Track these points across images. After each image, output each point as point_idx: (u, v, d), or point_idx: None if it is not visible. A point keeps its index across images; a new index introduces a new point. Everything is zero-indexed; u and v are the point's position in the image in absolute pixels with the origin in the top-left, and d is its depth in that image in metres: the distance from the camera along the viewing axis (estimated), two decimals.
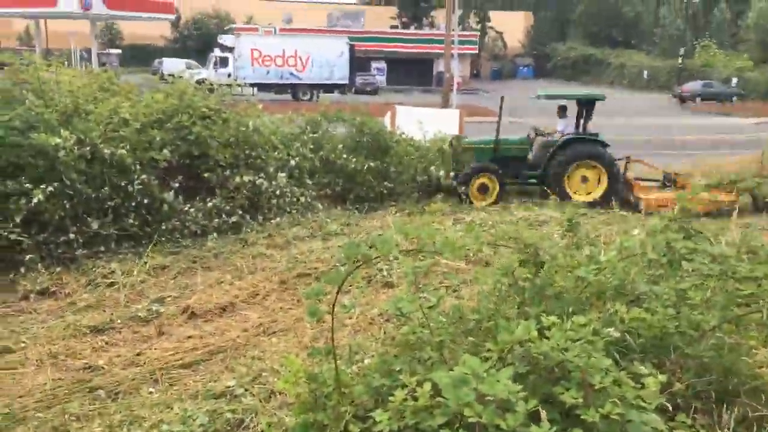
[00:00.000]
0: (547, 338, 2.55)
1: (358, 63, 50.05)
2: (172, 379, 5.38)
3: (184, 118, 9.85)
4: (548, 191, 12.34)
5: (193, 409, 4.68)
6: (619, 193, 12.82)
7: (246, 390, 4.95)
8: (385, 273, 7.65)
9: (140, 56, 62.70)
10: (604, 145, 13.08)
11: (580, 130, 13.33)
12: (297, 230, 10.00)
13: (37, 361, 5.67)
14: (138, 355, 5.79)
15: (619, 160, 13.38)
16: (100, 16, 44.58)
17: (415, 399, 2.56)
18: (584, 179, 12.96)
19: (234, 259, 8.73)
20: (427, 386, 2.61)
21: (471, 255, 7.46)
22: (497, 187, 12.70)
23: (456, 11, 34.25)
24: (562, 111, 13.86)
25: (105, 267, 7.89)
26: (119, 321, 6.55)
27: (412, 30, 64.57)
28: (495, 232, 7.57)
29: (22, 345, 6.00)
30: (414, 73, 58.77)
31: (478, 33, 66.09)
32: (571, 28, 75.61)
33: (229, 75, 42.64)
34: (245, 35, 46.46)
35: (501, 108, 12.97)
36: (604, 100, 13.60)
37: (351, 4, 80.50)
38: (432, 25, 66.24)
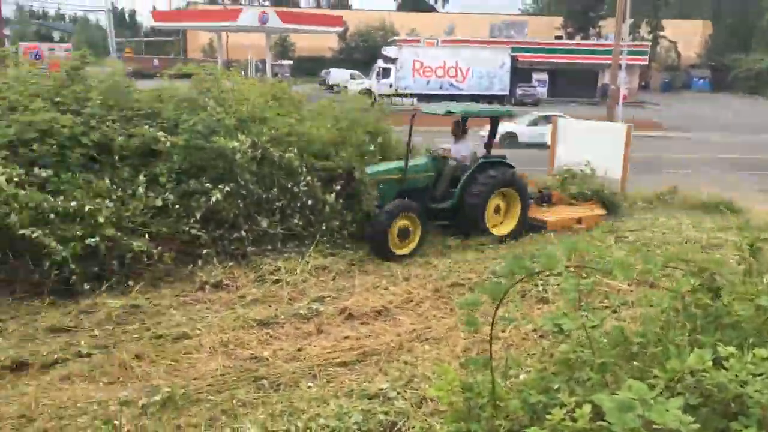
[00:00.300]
0: (725, 369, 2.39)
1: (520, 74, 49.43)
2: (329, 376, 5.61)
3: (353, 137, 10.42)
4: (460, 228, 10.36)
5: (348, 406, 4.86)
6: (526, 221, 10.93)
7: (398, 393, 5.06)
8: (540, 288, 7.50)
9: (309, 67, 65.96)
10: (513, 167, 10.95)
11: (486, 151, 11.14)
12: (451, 240, 10.12)
13: (210, 348, 6.14)
14: (299, 350, 6.10)
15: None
16: (276, 30, 47.47)
17: (574, 420, 2.50)
18: (497, 210, 10.76)
19: (389, 264, 8.97)
20: (587, 408, 2.54)
21: (635, 276, 7.12)
22: (419, 230, 9.88)
23: (626, 20, 32.82)
24: (457, 127, 11.27)
25: (271, 264, 8.38)
26: (282, 317, 6.93)
27: (577, 40, 62.73)
28: (662, 252, 7.18)
29: (197, 332, 6.52)
30: (577, 85, 56.97)
31: (650, 43, 62.91)
32: (755, 37, 69.86)
33: (390, 85, 43.78)
34: (407, 47, 47.48)
35: (411, 125, 10.18)
36: (511, 116, 12.36)
37: (514, 14, 79.65)
38: (599, 35, 64.00)
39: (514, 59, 45.09)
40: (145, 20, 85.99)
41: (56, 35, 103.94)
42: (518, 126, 26.63)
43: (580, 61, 57.44)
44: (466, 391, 3.14)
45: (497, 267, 8.49)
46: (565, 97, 54.08)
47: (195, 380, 5.48)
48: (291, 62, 53.06)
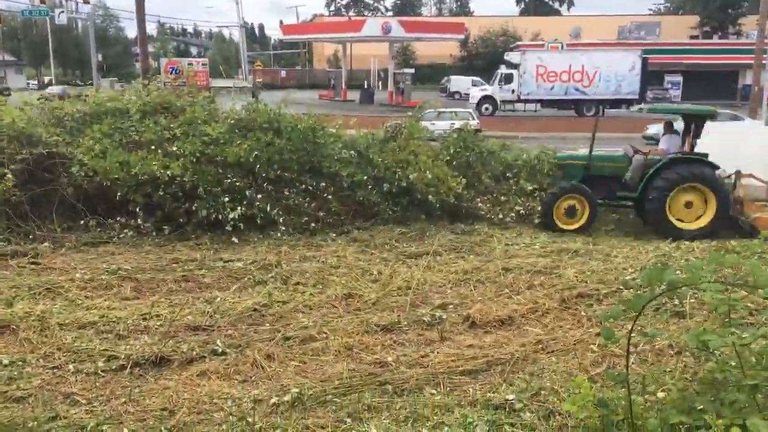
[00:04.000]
0: None
1: (651, 76, 47.23)
2: (453, 384, 5.57)
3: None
4: (642, 218, 11.55)
5: (473, 416, 4.80)
6: (728, 217, 11.52)
7: (525, 405, 4.94)
8: (676, 302, 7.10)
9: (430, 74, 66.30)
10: (713, 166, 11.52)
11: (686, 148, 11.84)
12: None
13: (335, 351, 6.28)
14: (422, 357, 6.11)
15: (727, 177, 12.03)
16: (398, 39, 48.11)
17: None
18: (688, 205, 11.41)
19: (512, 273, 8.83)
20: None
21: None
22: (587, 211, 11.65)
23: None
24: (668, 127, 12.44)
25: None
26: (406, 323, 6.97)
27: (715, 39, 59.12)
28: None
29: (324, 335, 6.69)
30: (714, 87, 53.70)
31: None
32: None
33: (513, 91, 43.13)
34: (530, 51, 46.60)
35: (596, 123, 12.28)
36: (716, 116, 11.84)
37: (646, 15, 76.19)
38: (739, 33, 59.98)
39: (644, 61, 43.08)
40: (275, 34, 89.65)
41: (194, 50, 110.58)
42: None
43: (718, 61, 54.14)
44: (601, 408, 3.02)
45: (628, 277, 8.13)
46: (700, 99, 51.07)
47: (322, 382, 5.61)
48: (413, 70, 53.56)
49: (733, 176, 12.33)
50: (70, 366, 5.98)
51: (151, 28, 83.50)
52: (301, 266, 8.98)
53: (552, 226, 11.57)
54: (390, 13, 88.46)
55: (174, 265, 8.98)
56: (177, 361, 6.14)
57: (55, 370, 5.91)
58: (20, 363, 6.02)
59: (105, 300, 7.67)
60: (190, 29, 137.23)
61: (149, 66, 36.18)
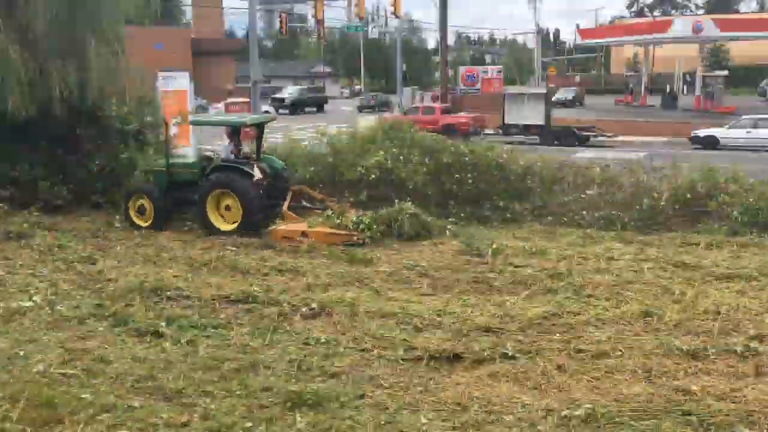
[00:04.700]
0: None
1: None
2: None
3: None
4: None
5: None
6: (256, 223, 11.33)
7: None
8: None
9: (745, 76, 59.51)
10: (248, 174, 11.47)
11: (233, 156, 12.10)
12: None
13: (632, 371, 5.95)
14: (733, 390, 5.50)
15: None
16: (711, 39, 44.04)
17: None
18: (228, 207, 11.62)
19: None
20: None
21: None
22: (153, 210, 12.00)
23: None
24: (230, 136, 12.44)
25: None
26: (713, 350, 6.34)
27: None
28: None
29: (619, 353, 6.38)
30: None
31: None
32: None
33: None
34: None
35: (167, 129, 12.53)
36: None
37: None
38: None
39: None
40: (570, 39, 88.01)
41: (488, 58, 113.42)
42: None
43: None
44: None
45: None
46: None
47: (617, 401, 5.36)
48: (726, 72, 48.52)
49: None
50: (375, 351, 6.54)
51: (451, 39, 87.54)
52: (594, 278, 8.68)
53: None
54: (702, 12, 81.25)
55: (467, 266, 9.31)
56: (469, 359, 6.35)
57: (362, 353, 6.50)
58: (334, 343, 6.75)
59: (404, 293, 8.23)
60: (486, 38, 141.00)
61: (448, 75, 37.99)
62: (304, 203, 12.48)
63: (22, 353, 6.50)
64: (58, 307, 7.80)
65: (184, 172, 12.29)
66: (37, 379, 5.92)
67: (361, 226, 10.73)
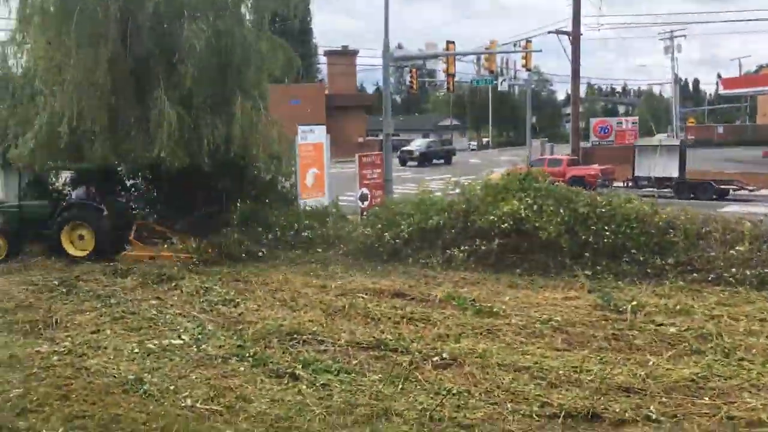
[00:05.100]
0: None
1: None
2: None
3: None
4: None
5: None
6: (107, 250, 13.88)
7: None
8: None
9: None
10: (99, 209, 14.24)
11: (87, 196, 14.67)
12: None
13: None
14: None
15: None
16: None
17: None
18: (81, 237, 14.19)
19: None
20: None
21: None
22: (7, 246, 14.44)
23: None
24: (82, 178, 15.37)
25: None
26: None
27: None
28: None
29: None
30: None
31: None
32: None
33: None
34: None
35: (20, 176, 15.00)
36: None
37: None
38: None
39: None
40: (710, 89, 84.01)
41: (621, 109, 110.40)
42: None
43: None
44: None
45: None
46: None
47: None
48: None
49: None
50: (508, 405, 6.39)
51: (582, 90, 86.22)
52: (746, 340, 8.06)
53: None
54: None
55: (604, 321, 8.95)
56: (608, 419, 6.06)
57: (494, 406, 6.38)
58: (465, 394, 6.67)
59: (538, 347, 8.02)
60: (618, 88, 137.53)
61: (579, 126, 37.29)
62: (146, 234, 14.98)
63: (172, 388, 6.93)
64: (204, 346, 8.27)
65: (37, 213, 14.69)
66: (185, 413, 6.28)
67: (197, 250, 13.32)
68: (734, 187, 27.07)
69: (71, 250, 14.06)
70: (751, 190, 26.79)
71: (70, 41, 13.16)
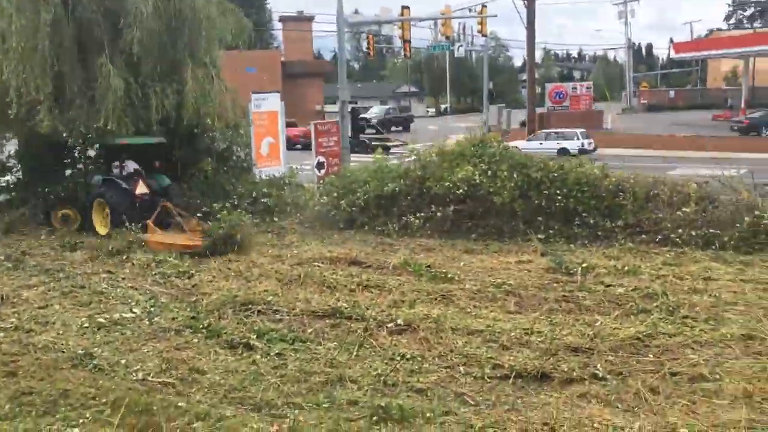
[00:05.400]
0: None
1: None
2: None
3: None
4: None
5: None
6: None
7: None
8: None
9: None
10: (119, 188, 13.25)
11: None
12: None
13: (732, 396, 5.66)
14: None
15: None
16: None
17: None
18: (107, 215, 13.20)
19: None
20: None
21: None
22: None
23: None
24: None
25: None
26: None
27: None
28: None
29: (716, 377, 6.09)
30: None
31: None
32: None
33: None
34: None
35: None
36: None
37: None
38: None
39: None
40: (663, 53, 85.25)
41: (576, 74, 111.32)
42: None
43: None
44: None
45: None
46: None
47: (714, 426, 5.13)
48: None
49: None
50: (461, 368, 6.51)
51: (538, 55, 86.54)
52: (691, 299, 8.31)
53: None
54: None
55: (555, 284, 9.12)
56: (557, 379, 6.22)
57: (447, 370, 6.48)
58: (419, 359, 6.76)
59: (491, 311, 8.14)
60: (574, 54, 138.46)
61: (535, 92, 37.49)
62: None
63: (123, 361, 6.85)
64: (156, 319, 8.18)
65: None
66: (136, 387, 6.22)
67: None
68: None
69: (99, 228, 13.17)
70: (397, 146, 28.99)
71: (10, 6, 12.67)
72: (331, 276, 9.71)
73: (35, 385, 6.23)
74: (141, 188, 13.27)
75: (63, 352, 7.16)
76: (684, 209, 11.30)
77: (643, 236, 11.20)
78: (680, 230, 10.99)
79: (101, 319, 8.17)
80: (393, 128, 51.38)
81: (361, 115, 51.14)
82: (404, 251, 11.07)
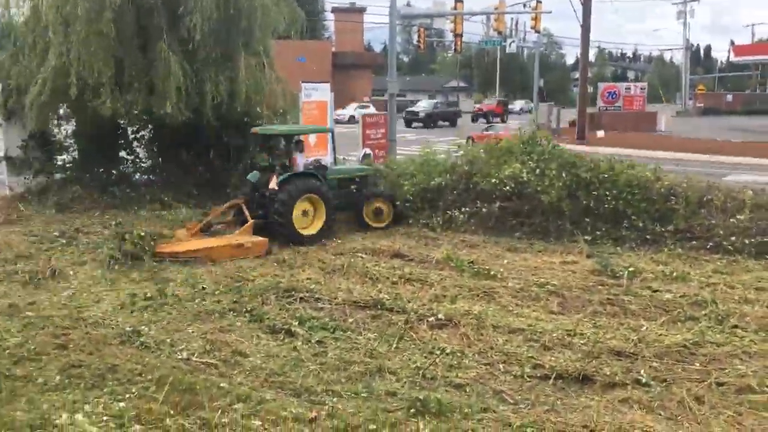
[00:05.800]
0: None
1: None
2: None
3: None
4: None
5: None
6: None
7: None
8: None
9: None
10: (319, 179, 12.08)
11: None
12: None
13: None
14: None
15: None
16: None
17: None
18: (305, 213, 11.68)
19: None
20: None
21: None
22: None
23: None
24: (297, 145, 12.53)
25: None
26: None
27: None
28: None
29: (766, 389, 5.93)
30: None
31: None
32: None
33: None
34: None
35: None
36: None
37: None
38: None
39: None
40: (722, 56, 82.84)
41: (631, 74, 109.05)
42: None
43: None
44: None
45: None
46: None
47: None
48: None
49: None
50: (500, 366, 6.47)
51: (591, 54, 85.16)
52: (741, 308, 8.09)
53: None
54: None
55: (600, 286, 8.98)
56: (599, 382, 6.13)
57: (487, 367, 6.45)
58: (459, 354, 6.74)
59: (533, 310, 8.07)
60: (629, 53, 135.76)
61: (587, 91, 36.87)
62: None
63: (168, 341, 7.01)
64: (201, 301, 8.34)
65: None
66: (180, 366, 6.36)
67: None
68: None
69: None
70: None
71: None
72: (374, 267, 9.74)
73: (84, 359, 6.43)
74: (273, 183, 11.72)
75: (112, 328, 7.36)
76: (738, 216, 10.99)
77: (694, 242, 10.92)
78: (733, 238, 10.69)
79: (149, 297, 8.38)
80: (440, 122, 51.21)
81: (409, 108, 51.16)
82: (447, 246, 11.02)
